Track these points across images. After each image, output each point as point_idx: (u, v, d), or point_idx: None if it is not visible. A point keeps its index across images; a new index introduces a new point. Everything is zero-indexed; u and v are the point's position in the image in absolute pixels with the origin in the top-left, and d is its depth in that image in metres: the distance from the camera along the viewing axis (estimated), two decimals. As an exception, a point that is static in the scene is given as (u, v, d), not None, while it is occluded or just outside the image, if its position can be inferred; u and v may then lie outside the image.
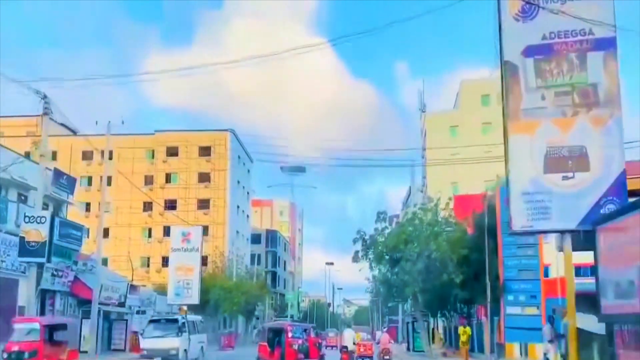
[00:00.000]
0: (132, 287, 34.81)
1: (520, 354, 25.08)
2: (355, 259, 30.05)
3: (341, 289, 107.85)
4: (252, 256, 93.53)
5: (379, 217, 30.24)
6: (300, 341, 26.47)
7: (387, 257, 29.77)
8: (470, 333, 28.61)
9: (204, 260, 64.70)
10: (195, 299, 42.28)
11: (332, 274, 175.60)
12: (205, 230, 66.27)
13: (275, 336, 26.14)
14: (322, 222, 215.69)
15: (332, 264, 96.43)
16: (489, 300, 24.99)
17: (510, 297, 25.53)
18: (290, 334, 26.33)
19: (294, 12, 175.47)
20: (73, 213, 63.64)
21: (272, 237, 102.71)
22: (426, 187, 61.76)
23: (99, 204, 68.10)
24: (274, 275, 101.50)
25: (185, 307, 43.90)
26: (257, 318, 79.29)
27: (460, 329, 29.00)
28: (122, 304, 34.25)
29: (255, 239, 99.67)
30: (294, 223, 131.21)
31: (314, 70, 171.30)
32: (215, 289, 55.26)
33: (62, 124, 73.74)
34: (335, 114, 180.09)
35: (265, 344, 25.81)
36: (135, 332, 33.58)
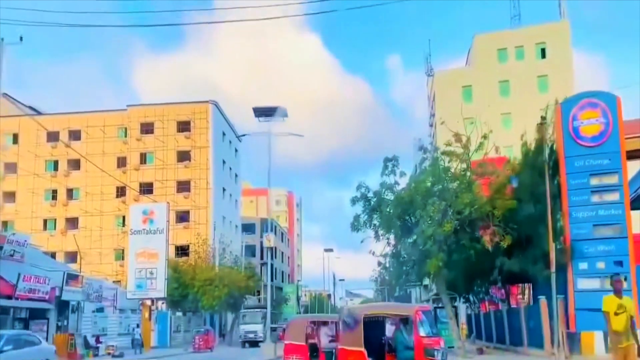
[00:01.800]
0: (71, 277, 26.92)
1: (606, 348, 16.62)
2: (356, 226, 22.08)
3: (343, 280, 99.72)
4: (245, 248, 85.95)
5: (386, 167, 22.13)
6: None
7: (398, 222, 21.71)
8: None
9: (185, 250, 57.08)
10: (160, 292, 34.43)
11: (333, 262, 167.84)
12: (186, 215, 58.61)
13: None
14: (320, 218, 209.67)
15: (331, 250, 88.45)
16: (553, 270, 17.03)
17: (583, 265, 17.58)
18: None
19: (284, 10, 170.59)
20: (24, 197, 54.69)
21: (267, 226, 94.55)
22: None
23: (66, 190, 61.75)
24: (270, 267, 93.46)
25: (149, 302, 36.17)
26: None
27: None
28: (56, 298, 26.31)
29: (248, 228, 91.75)
30: (292, 213, 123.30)
31: (306, 65, 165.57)
32: (195, 281, 47.59)
33: (29, 106, 66.21)
34: (328, 109, 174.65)
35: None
36: (72, 334, 25.68)
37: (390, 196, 22.01)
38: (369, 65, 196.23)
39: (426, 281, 36.12)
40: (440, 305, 27.55)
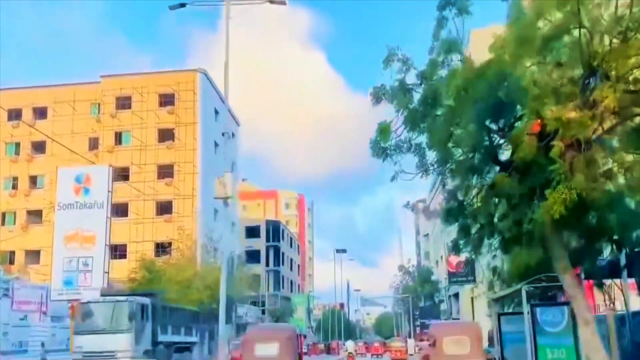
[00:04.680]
0: None
1: None
2: (380, 147, 11.79)
3: (359, 290, 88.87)
4: (249, 253, 75.99)
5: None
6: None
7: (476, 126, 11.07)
8: None
9: (165, 248, 47.21)
10: (97, 291, 24.19)
11: (346, 270, 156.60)
12: (169, 206, 48.76)
13: None
14: (327, 233, 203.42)
15: (344, 251, 77.56)
16: None
17: None
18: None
19: (289, 28, 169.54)
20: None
21: (274, 229, 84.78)
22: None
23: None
24: (277, 275, 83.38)
25: (75, 303, 25.57)
26: (244, 326, 61.18)
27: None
28: None
29: (253, 231, 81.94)
30: (303, 217, 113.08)
31: (311, 84, 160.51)
32: (172, 284, 37.70)
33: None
34: (333, 127, 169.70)
35: None
36: None
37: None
38: (373, 82, 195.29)
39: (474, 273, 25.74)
40: (509, 308, 17.19)
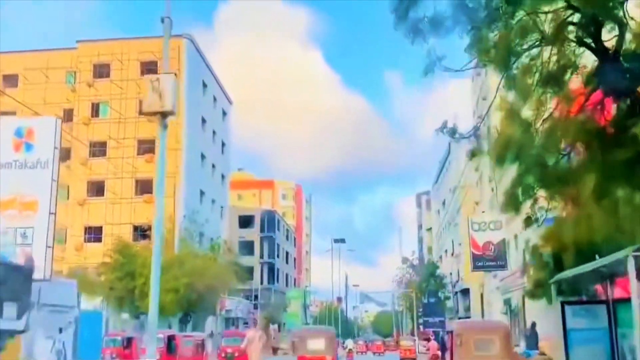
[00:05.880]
0: None
1: None
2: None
3: (357, 285, 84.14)
4: (242, 244, 71.40)
5: None
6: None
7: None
8: None
9: (145, 231, 42.50)
10: (39, 271, 19.43)
11: (345, 263, 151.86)
12: (149, 185, 43.96)
13: None
14: (325, 231, 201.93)
15: (342, 241, 72.72)
16: None
17: None
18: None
19: (285, 27, 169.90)
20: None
21: (269, 219, 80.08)
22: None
23: None
24: (271, 267, 78.73)
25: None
26: (235, 320, 56.60)
27: None
28: None
29: (247, 221, 77.31)
30: (301, 209, 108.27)
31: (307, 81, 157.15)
32: (145, 269, 33.13)
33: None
34: (329, 126, 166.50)
35: None
36: None
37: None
38: (369, 80, 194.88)
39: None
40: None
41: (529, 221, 10.54)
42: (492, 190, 26.69)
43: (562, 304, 11.22)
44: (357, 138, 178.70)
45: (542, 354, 15.70)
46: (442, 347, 32.63)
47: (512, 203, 9.41)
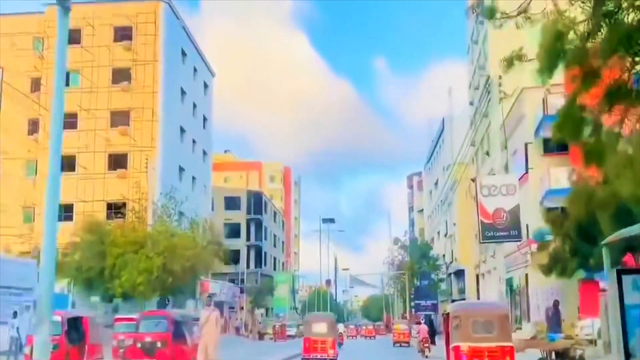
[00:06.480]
0: None
1: None
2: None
3: (347, 269, 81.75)
4: (228, 226, 68.62)
5: None
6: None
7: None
8: None
9: (119, 208, 39.61)
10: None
11: (334, 244, 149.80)
12: (123, 159, 41.09)
13: None
14: (315, 218, 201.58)
15: (332, 220, 70.08)
16: None
17: None
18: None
19: (272, 11, 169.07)
20: None
21: (255, 200, 77.22)
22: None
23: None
24: (258, 250, 76.12)
25: None
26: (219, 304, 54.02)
27: None
28: None
29: (232, 203, 74.44)
30: (289, 191, 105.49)
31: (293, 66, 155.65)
32: (115, 248, 30.54)
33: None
34: (316, 110, 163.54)
35: None
36: None
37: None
38: (356, 65, 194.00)
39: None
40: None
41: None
42: (504, 145, 24.04)
43: (619, 272, 8.52)
44: (343, 123, 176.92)
45: (569, 337, 13.12)
46: (432, 331, 30.90)
47: (569, 126, 6.61)
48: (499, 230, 16.54)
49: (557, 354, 12.79)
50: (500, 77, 17.41)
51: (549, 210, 14.52)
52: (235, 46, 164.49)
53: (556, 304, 14.70)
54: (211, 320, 12.65)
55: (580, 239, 13.97)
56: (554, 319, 14.06)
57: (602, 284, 18.55)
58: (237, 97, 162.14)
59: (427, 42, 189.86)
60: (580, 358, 12.32)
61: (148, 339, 16.09)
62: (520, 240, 20.01)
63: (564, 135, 6.88)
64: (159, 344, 15.81)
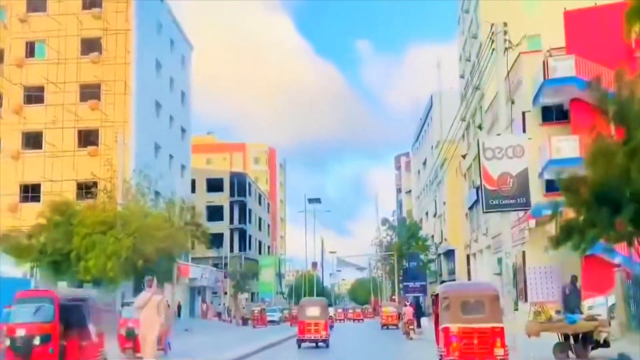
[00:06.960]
0: None
1: None
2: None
3: (335, 252, 79.95)
4: (211, 209, 66.47)
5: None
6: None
7: None
8: None
9: (90, 188, 37.18)
10: None
11: (321, 224, 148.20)
12: (94, 135, 38.59)
13: None
14: (300, 202, 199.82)
15: (318, 201, 68.15)
16: None
17: None
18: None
19: None
20: None
21: (239, 182, 75.00)
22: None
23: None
24: (242, 234, 74.01)
25: None
26: (201, 290, 52.06)
27: None
28: None
29: (215, 185, 72.16)
30: (274, 173, 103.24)
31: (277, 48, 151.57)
32: (81, 228, 28.23)
33: None
34: (300, 94, 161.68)
35: None
36: None
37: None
38: (339, 47, 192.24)
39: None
40: None
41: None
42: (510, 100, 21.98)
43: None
44: (328, 105, 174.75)
45: (591, 318, 11.16)
46: (418, 312, 29.87)
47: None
48: (505, 197, 14.50)
49: (576, 337, 10.91)
50: (505, 25, 15.32)
51: (560, 179, 12.50)
52: (217, 28, 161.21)
53: (573, 279, 12.74)
54: (151, 305, 10.46)
55: (600, 206, 12.00)
56: (572, 298, 12.12)
57: (617, 259, 16.71)
58: (219, 80, 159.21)
59: (410, 24, 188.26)
60: (605, 342, 10.45)
61: (20, 333, 10.32)
62: (528, 209, 18.07)
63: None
64: (36, 340, 10.18)
